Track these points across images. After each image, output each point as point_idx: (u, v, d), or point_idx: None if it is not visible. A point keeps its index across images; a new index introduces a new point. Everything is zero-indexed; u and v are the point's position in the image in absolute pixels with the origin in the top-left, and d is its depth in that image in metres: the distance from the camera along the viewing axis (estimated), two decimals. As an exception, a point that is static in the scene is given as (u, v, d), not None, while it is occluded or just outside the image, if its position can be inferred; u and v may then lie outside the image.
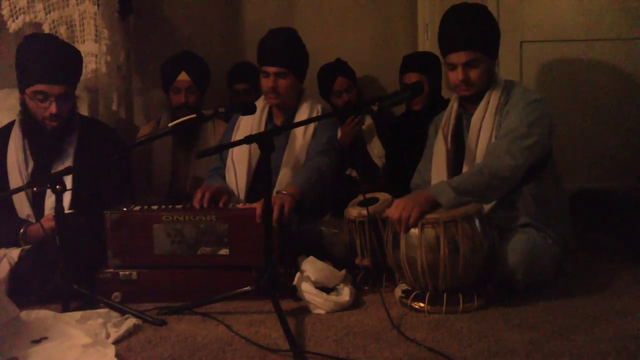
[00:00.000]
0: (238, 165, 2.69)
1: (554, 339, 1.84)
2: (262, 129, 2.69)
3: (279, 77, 2.62)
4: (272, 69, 2.62)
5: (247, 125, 2.71)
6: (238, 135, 2.70)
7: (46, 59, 2.43)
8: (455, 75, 2.34)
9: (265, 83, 2.65)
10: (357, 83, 3.50)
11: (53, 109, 2.44)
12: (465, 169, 2.37)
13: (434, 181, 2.46)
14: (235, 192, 2.66)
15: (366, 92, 3.58)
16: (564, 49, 3.20)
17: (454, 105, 2.49)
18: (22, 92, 2.50)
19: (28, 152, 2.54)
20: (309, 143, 2.68)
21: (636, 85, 3.17)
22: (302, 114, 2.69)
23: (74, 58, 2.56)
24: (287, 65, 2.62)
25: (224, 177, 2.72)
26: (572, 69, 3.24)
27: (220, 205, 2.47)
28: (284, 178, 2.61)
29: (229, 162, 2.73)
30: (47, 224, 2.31)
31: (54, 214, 2.20)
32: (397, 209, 2.12)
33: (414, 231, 2.08)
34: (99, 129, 2.70)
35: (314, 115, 2.68)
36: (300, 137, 2.67)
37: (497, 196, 2.24)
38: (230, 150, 2.73)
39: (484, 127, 2.35)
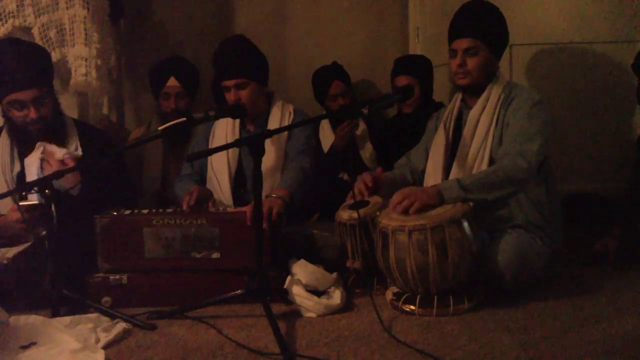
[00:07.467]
0: (219, 174, 2.68)
1: (543, 340, 1.85)
2: (237, 137, 2.68)
3: (239, 89, 2.60)
4: (230, 82, 2.59)
5: (221, 133, 2.71)
6: (214, 144, 2.69)
7: (10, 66, 2.39)
8: (455, 62, 2.42)
9: (229, 97, 2.62)
10: (352, 87, 3.50)
11: (33, 114, 2.42)
12: (456, 161, 2.40)
13: (427, 172, 2.50)
14: (222, 200, 2.65)
15: (358, 95, 3.59)
16: (554, 52, 3.21)
17: (457, 100, 2.54)
18: (1, 101, 2.48)
19: (16, 155, 2.53)
20: (285, 145, 2.67)
21: (624, 89, 3.18)
22: (275, 117, 2.69)
23: (39, 57, 2.49)
24: (245, 75, 2.59)
25: (196, 183, 2.70)
26: (562, 72, 3.25)
27: (210, 205, 2.45)
28: (263, 181, 2.59)
29: (209, 172, 2.72)
30: (13, 215, 2.30)
31: (17, 205, 2.19)
32: (401, 195, 2.16)
33: (403, 238, 2.07)
34: (93, 132, 2.69)
35: (287, 116, 2.69)
36: (276, 140, 2.64)
37: (502, 196, 2.24)
38: (209, 160, 2.72)
39: (481, 121, 2.39)
